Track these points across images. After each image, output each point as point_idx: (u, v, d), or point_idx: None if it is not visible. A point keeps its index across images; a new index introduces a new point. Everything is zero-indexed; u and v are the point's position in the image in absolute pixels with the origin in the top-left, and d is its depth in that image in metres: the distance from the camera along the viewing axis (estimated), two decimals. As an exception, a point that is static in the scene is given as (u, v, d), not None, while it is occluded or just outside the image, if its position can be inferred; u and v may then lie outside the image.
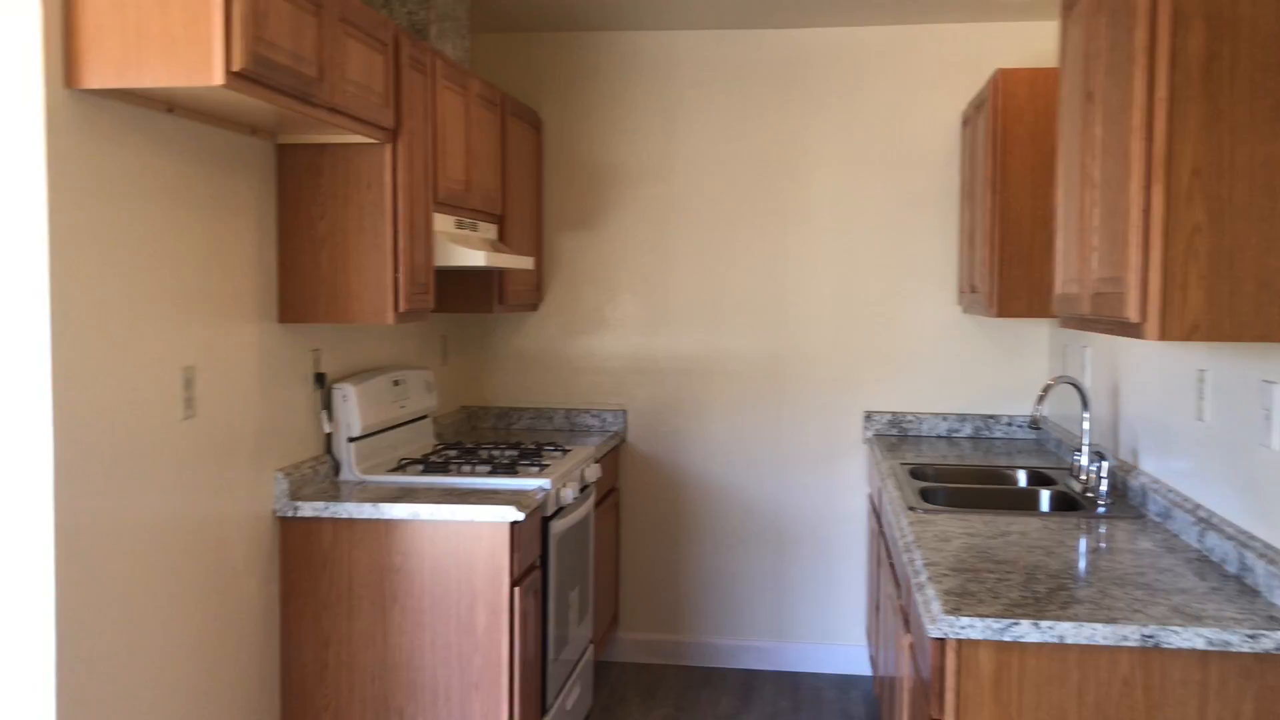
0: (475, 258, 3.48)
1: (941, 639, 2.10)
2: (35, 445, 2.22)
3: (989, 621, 2.05)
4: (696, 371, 4.74)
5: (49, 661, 2.24)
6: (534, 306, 4.75)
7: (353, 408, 3.49)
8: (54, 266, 2.22)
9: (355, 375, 3.66)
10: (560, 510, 3.63)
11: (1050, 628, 2.04)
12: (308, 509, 3.18)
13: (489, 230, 4.09)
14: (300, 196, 3.18)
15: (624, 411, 4.79)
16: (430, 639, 3.17)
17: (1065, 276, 2.63)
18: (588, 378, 4.82)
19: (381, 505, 3.15)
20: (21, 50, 2.17)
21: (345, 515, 3.17)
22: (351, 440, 3.50)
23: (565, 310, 4.82)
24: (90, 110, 2.32)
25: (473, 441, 4.30)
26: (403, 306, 3.18)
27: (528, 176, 4.56)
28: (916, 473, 3.75)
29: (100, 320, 2.38)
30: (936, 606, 2.13)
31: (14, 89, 2.17)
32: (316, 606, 3.22)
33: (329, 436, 3.52)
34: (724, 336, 4.72)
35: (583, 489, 3.93)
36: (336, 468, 3.52)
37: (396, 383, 3.86)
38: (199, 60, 2.20)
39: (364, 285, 3.17)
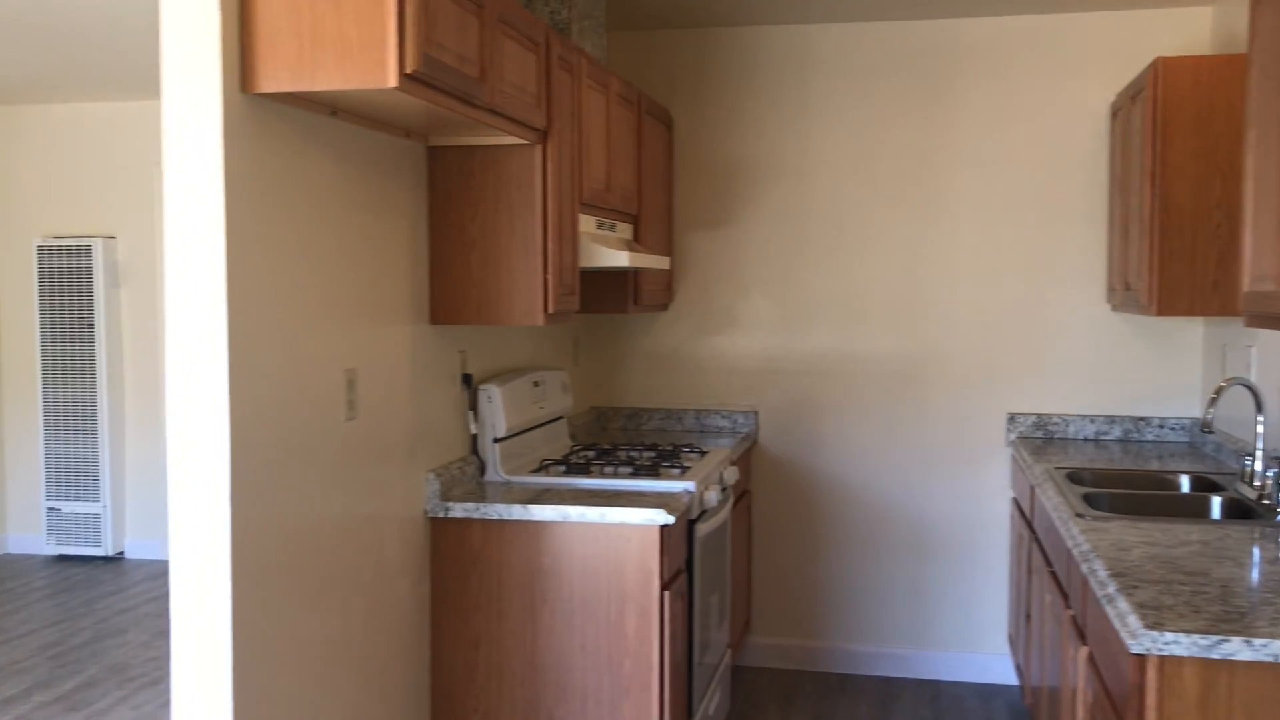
0: (619, 258, 3.45)
1: (1142, 655, 2.00)
2: (213, 445, 2.24)
3: (1195, 638, 1.95)
4: (831, 372, 4.65)
5: (225, 652, 2.26)
6: (664, 306, 4.71)
7: (498, 408, 3.49)
8: (230, 270, 2.24)
9: (498, 376, 3.67)
10: (704, 513, 3.58)
11: (1264, 645, 1.92)
12: (459, 510, 3.18)
13: (625, 230, 4.06)
14: (451, 198, 3.18)
15: (755, 413, 4.73)
16: (580, 642, 3.15)
17: (1256, 273, 2.49)
18: (718, 378, 4.77)
19: (531, 507, 3.14)
20: (201, 56, 2.19)
21: (495, 516, 3.16)
22: (496, 441, 3.50)
23: (696, 310, 4.77)
24: (263, 114, 2.34)
25: (609, 443, 4.27)
26: (552, 308, 3.17)
27: (660, 175, 4.52)
28: (1074, 477, 3.61)
29: (271, 323, 2.39)
30: (1134, 621, 2.02)
31: (193, 94, 2.20)
32: (466, 607, 3.23)
33: (474, 437, 3.52)
34: (860, 336, 4.62)
35: (722, 491, 3.88)
36: (482, 468, 3.52)
37: (536, 384, 3.85)
38: (373, 63, 2.20)
39: (514, 287, 3.16)
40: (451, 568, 3.23)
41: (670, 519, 3.07)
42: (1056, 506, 3.10)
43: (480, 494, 3.29)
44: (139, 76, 5.77)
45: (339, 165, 2.67)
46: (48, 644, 5.05)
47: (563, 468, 3.62)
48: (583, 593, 3.15)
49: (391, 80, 2.20)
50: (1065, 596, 2.99)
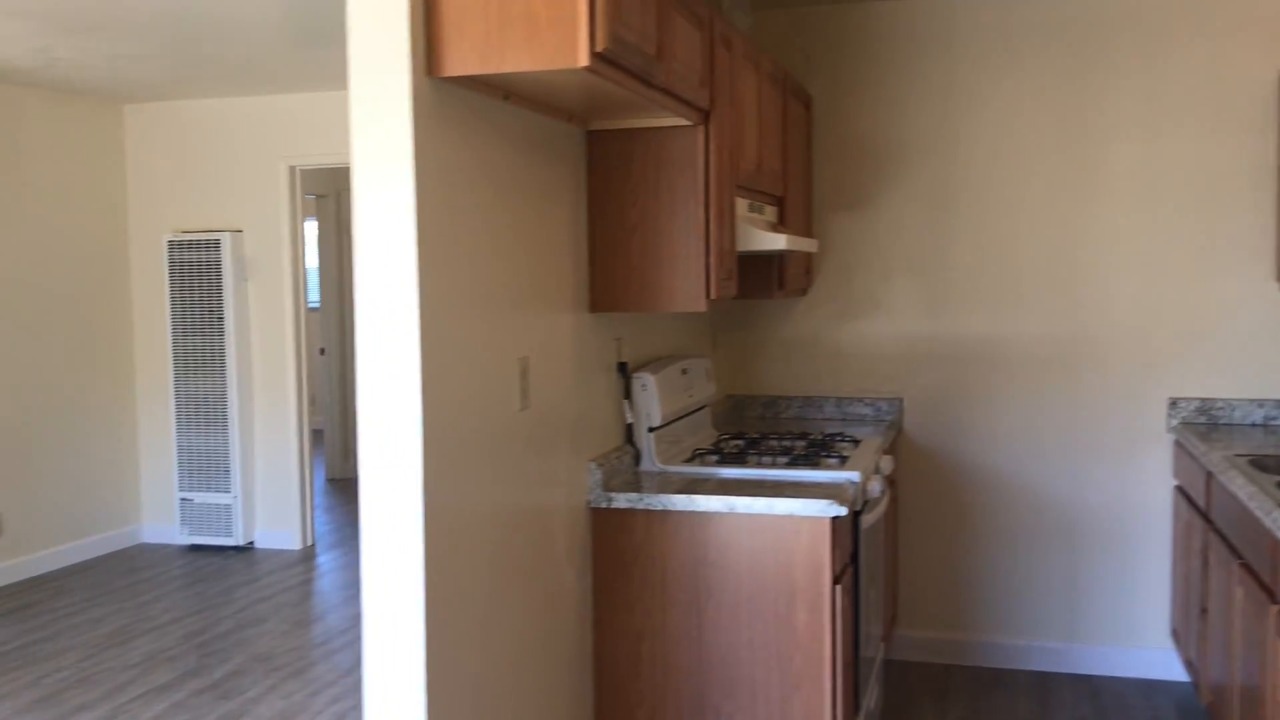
0: (775, 241, 3.36)
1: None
2: (405, 433, 2.21)
3: None
4: (979, 357, 4.50)
5: (418, 640, 2.23)
6: (804, 291, 4.60)
7: (652, 396, 3.42)
8: (421, 256, 2.20)
9: (648, 364, 3.60)
10: (866, 504, 3.47)
11: None
12: (621, 500, 3.12)
13: (771, 213, 3.96)
14: (610, 183, 3.12)
15: (899, 400, 4.60)
16: (748, 637, 3.07)
17: None
18: (860, 364, 4.65)
19: (696, 497, 3.07)
20: (390, 40, 2.15)
21: (659, 507, 3.10)
22: (651, 430, 3.43)
23: (836, 294, 4.65)
24: (447, 99, 2.29)
25: (755, 431, 4.19)
26: (714, 293, 3.09)
27: (801, 156, 4.41)
28: (1258, 464, 3.43)
29: (455, 309, 2.35)
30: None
31: (382, 80, 2.16)
32: (629, 599, 3.17)
33: (629, 426, 3.46)
34: (1010, 320, 4.46)
35: (882, 481, 3.77)
36: (636, 458, 3.46)
37: (684, 371, 3.78)
38: (563, 42, 2.14)
39: (675, 272, 3.09)
40: (614, 559, 3.17)
41: (843, 510, 2.98)
42: (1253, 495, 2.93)
43: (641, 484, 3.23)
44: (265, 72, 5.83)
45: (511, 151, 2.62)
46: (192, 632, 5.13)
47: (716, 457, 3.54)
48: (750, 586, 3.07)
49: (582, 59, 2.14)
50: (1268, 591, 2.83)
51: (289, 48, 5.27)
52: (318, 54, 5.41)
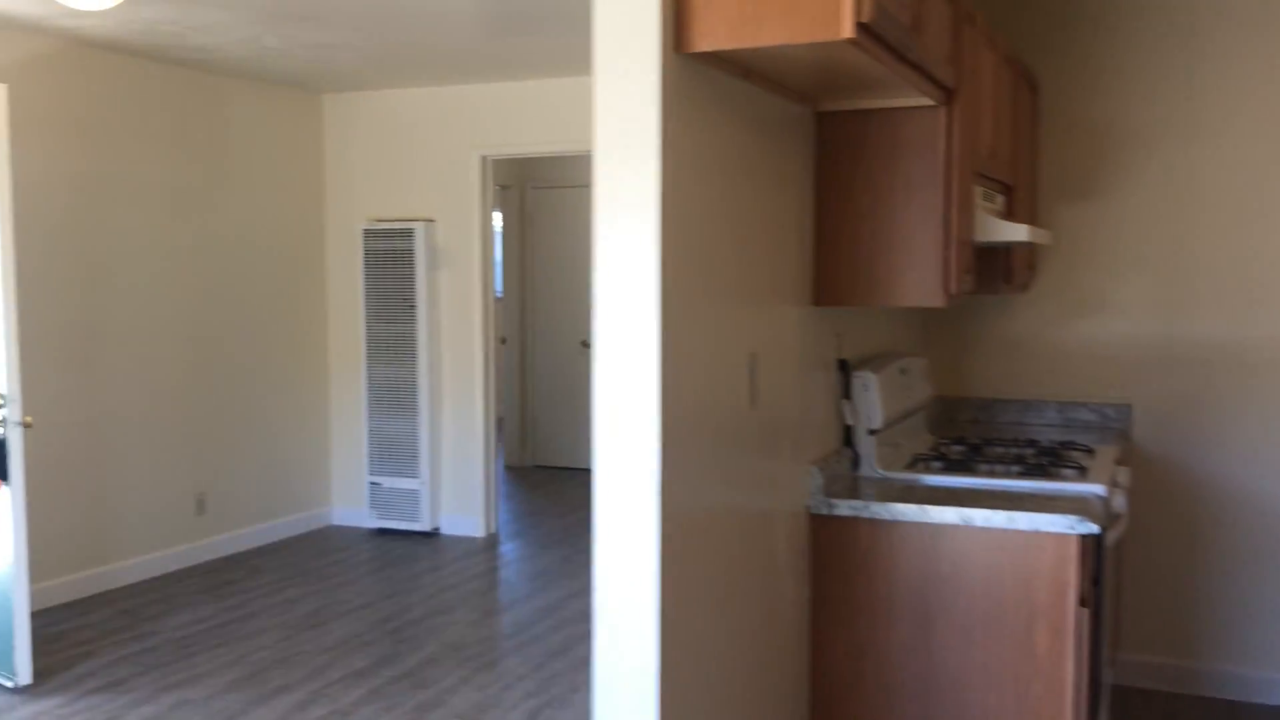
0: (1017, 232, 3.10)
1: None
2: (643, 429, 2.08)
3: None
4: (1223, 362, 4.12)
5: (652, 637, 2.10)
6: (1026, 287, 4.30)
7: (874, 397, 3.21)
8: (663, 245, 2.06)
9: (867, 362, 3.39)
10: (1112, 520, 3.19)
11: None
12: (844, 507, 2.93)
13: (1000, 203, 3.69)
14: (840, 168, 2.92)
15: (1128, 406, 4.25)
16: (981, 659, 2.84)
17: None
18: (1085, 367, 4.32)
19: (928, 508, 2.85)
20: (640, 12, 2.01)
21: (886, 516, 2.89)
22: (871, 433, 3.23)
23: (1059, 291, 4.34)
24: (690, 77, 2.14)
25: (975, 437, 3.93)
26: (954, 287, 2.86)
27: (1027, 142, 4.12)
28: None
29: (690, 302, 2.21)
30: None
31: (629, 55, 2.02)
32: (850, 613, 2.97)
33: (847, 429, 3.26)
34: (1259, 322, 4.07)
35: (1124, 495, 3.47)
36: (855, 462, 3.26)
37: (903, 371, 3.56)
38: (826, 13, 1.96)
39: (910, 264, 2.87)
40: (835, 569, 2.98)
41: (1095, 528, 2.72)
42: None
43: (860, 490, 3.03)
44: (460, 61, 5.83)
45: (745, 133, 2.45)
46: (385, 617, 5.17)
47: (940, 464, 3.31)
48: (984, 604, 2.83)
49: (846, 31, 1.96)
50: None
51: (484, 36, 5.24)
52: (512, 43, 5.36)
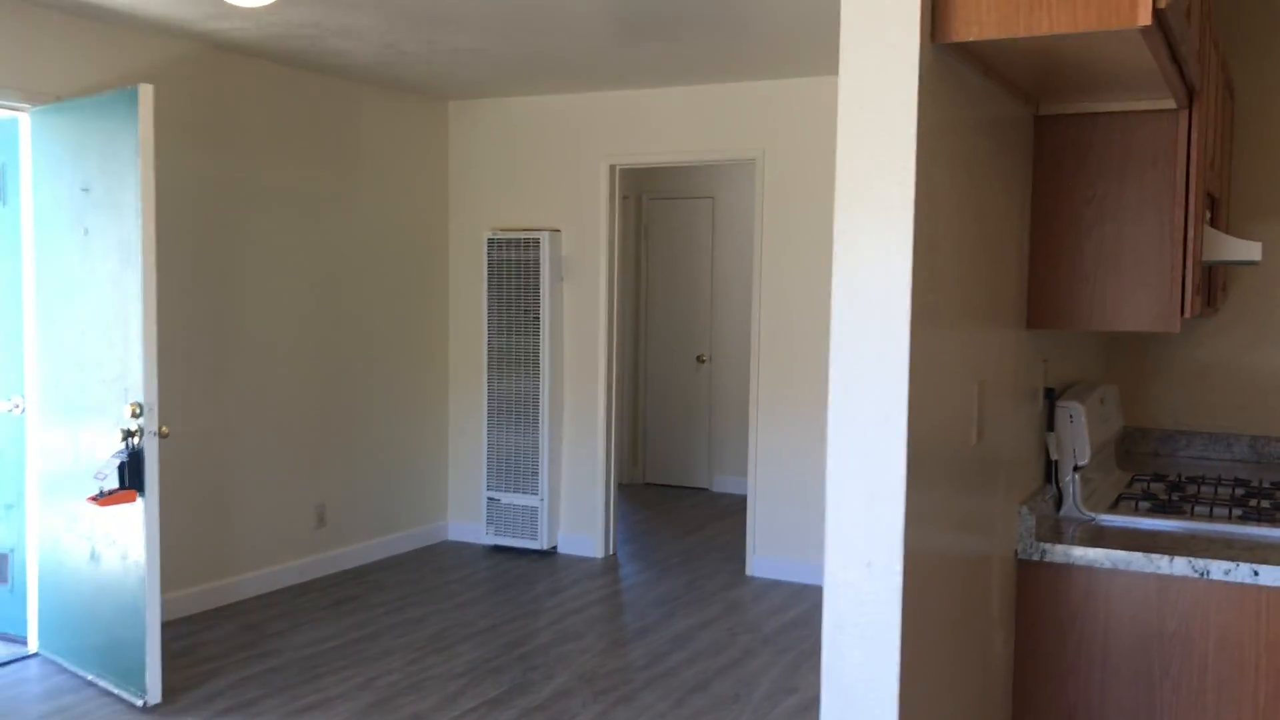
0: (1250, 250, 2.80)
1: None
2: (887, 462, 1.83)
3: None
4: None
5: (891, 690, 1.85)
6: (1215, 309, 3.96)
7: (1081, 429, 2.92)
8: (915, 258, 1.81)
9: (1067, 390, 3.10)
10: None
11: None
12: (1058, 553, 2.65)
13: (1206, 218, 3.37)
14: (1061, 177, 2.65)
15: (1333, 441, 3.88)
16: (1216, 728, 2.53)
17: None
18: (1282, 398, 3.96)
19: (1155, 557, 2.56)
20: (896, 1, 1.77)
21: (1106, 564, 2.60)
22: (1076, 469, 2.94)
23: (1252, 314, 3.99)
24: (942, 71, 1.90)
25: (1175, 474, 3.60)
26: (1189, 310, 2.57)
27: (1226, 152, 3.79)
28: None
29: (934, 322, 1.96)
30: None
31: (884, 46, 1.78)
32: (1060, 670, 2.69)
33: (1052, 463, 2.98)
34: None
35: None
36: (1058, 501, 2.97)
37: (1102, 400, 3.26)
38: (1119, -5, 1.70)
39: (1140, 284, 2.59)
40: (1045, 621, 2.70)
41: (1360, 586, 2.40)
42: None
43: (1071, 534, 2.74)
44: (588, 68, 5.65)
45: (977, 135, 2.20)
46: (512, 642, 4.98)
47: (1146, 504, 3.01)
48: (1220, 669, 2.53)
49: (1144, 18, 1.70)
50: None
51: (614, 43, 5.05)
52: (641, 50, 5.17)
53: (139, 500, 4.11)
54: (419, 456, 6.79)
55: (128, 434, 4.10)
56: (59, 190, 4.47)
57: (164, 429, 4.15)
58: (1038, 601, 2.70)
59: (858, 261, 1.84)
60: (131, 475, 4.10)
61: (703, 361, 8.66)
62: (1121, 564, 2.59)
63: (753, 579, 6.10)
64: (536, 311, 6.53)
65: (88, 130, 4.33)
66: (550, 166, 6.63)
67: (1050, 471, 2.98)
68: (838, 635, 1.89)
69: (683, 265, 8.69)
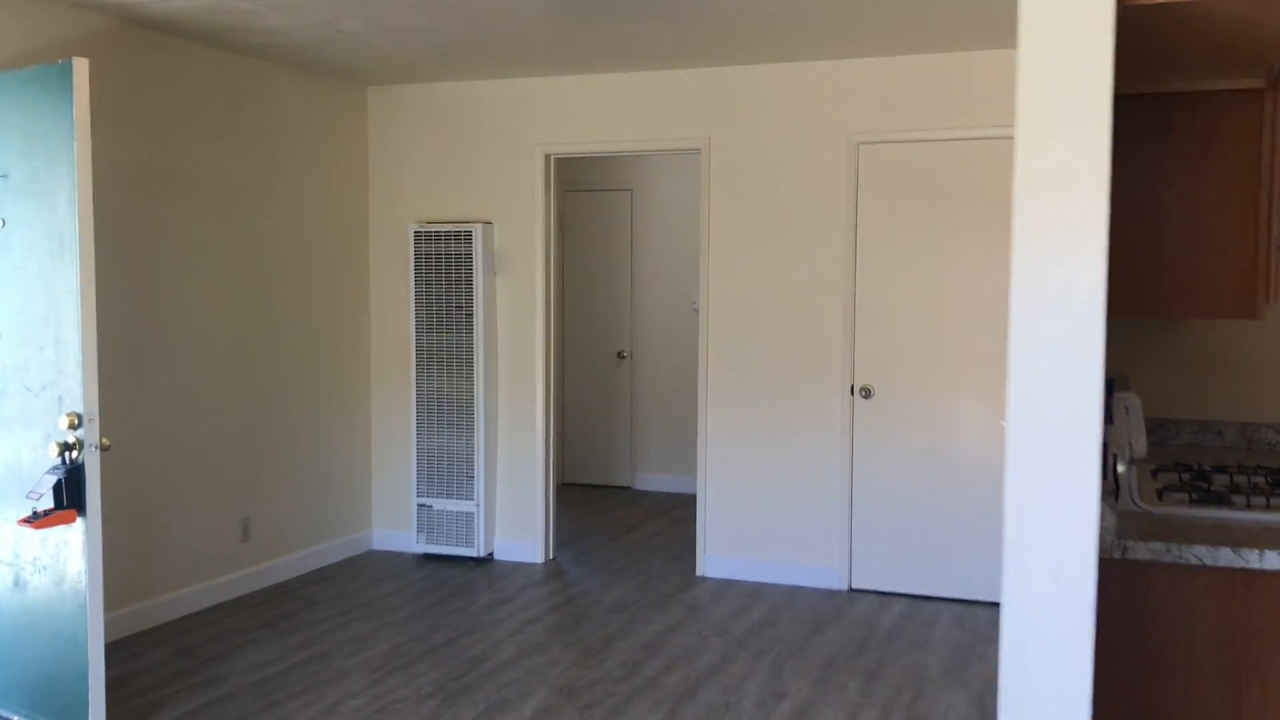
0: (1309, 236, 2.74)
1: None
2: (1079, 468, 1.67)
3: None
4: None
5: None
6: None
7: (1137, 421, 2.84)
8: (1108, 247, 1.66)
9: (1114, 381, 3.02)
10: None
11: None
12: (1141, 550, 2.55)
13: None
14: (1137, 160, 2.55)
15: (1319, 426, 3.92)
16: (1308, 725, 2.47)
17: None
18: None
19: (1244, 551, 2.48)
20: (1096, -50, 1.61)
21: (1192, 561, 2.51)
22: (1133, 462, 2.85)
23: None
24: (1117, 39, 1.75)
25: (1192, 462, 3.56)
26: (1271, 297, 2.49)
27: None
28: None
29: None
30: None
31: (1078, 7, 1.62)
32: (1141, 669, 2.59)
33: (1113, 456, 2.88)
34: None
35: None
36: (1114, 494, 2.88)
37: (1138, 391, 3.19)
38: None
39: (1223, 271, 2.51)
40: (1123, 620, 2.59)
41: None
42: None
43: (1135, 527, 2.65)
44: (521, 52, 5.39)
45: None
46: (475, 657, 4.70)
47: (1188, 495, 2.94)
48: (1310, 662, 2.46)
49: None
50: None
51: (550, 25, 4.81)
52: (578, 33, 4.94)
53: (79, 521, 3.70)
54: (341, 463, 6.41)
55: (65, 447, 3.69)
56: (-31, 177, 4.00)
57: (105, 441, 3.74)
58: (1117, 599, 2.59)
59: (1042, 250, 1.67)
60: (70, 493, 3.68)
61: (623, 357, 8.46)
62: (1209, 559, 2.50)
63: (705, 579, 5.94)
64: (469, 307, 6.23)
65: (2, 109, 3.88)
66: (480, 156, 6.34)
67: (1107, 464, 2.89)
68: (1020, 653, 1.72)
69: (600, 259, 8.48)
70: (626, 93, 6.02)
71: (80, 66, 3.63)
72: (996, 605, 5.47)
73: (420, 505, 6.39)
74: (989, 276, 5.44)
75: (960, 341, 5.50)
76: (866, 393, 5.66)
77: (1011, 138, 5.22)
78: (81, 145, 3.63)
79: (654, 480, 8.41)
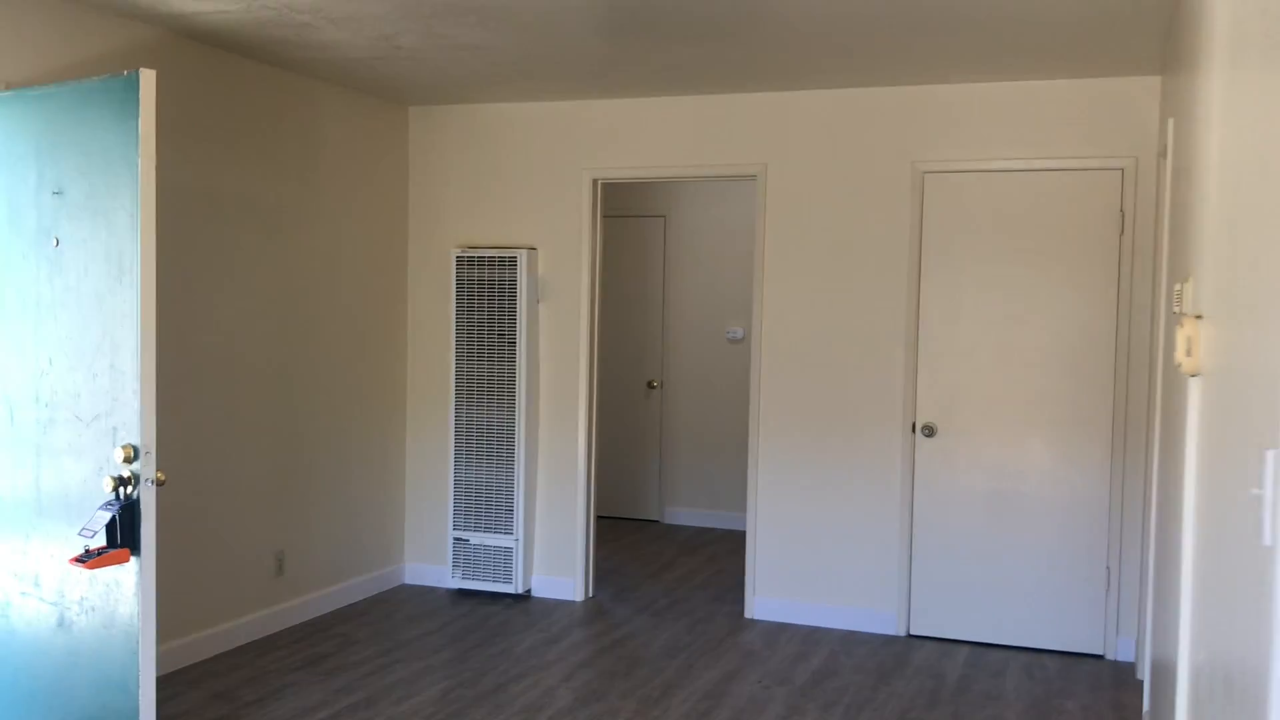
0: None
1: None
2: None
3: None
4: None
5: None
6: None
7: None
8: None
9: None
10: None
11: None
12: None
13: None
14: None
15: None
16: None
17: None
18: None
19: None
20: None
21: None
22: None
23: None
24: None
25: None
26: None
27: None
28: None
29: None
30: None
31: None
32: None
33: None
34: None
35: None
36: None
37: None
38: None
39: None
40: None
41: None
42: None
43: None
44: (570, 74, 5.22)
45: None
46: (531, 706, 4.47)
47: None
48: None
49: None
50: None
51: (600, 44, 4.64)
52: (629, 54, 4.77)
53: (132, 560, 3.47)
54: (375, 495, 6.19)
55: (119, 482, 3.46)
56: (18, 194, 3.79)
57: (160, 475, 3.52)
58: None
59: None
60: (124, 531, 3.45)
61: (653, 387, 8.27)
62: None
63: (755, 621, 5.72)
64: (512, 335, 6.03)
65: (59, 124, 3.68)
66: (525, 180, 6.15)
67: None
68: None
69: (633, 287, 8.29)
70: (678, 117, 5.85)
71: (147, 78, 3.43)
72: (1063, 654, 5.26)
73: (457, 539, 6.17)
74: (1057, 312, 5.26)
75: (1027, 379, 5.32)
76: (929, 431, 5.46)
77: (1085, 169, 5.11)
78: (146, 160, 3.42)
79: (683, 515, 8.20)
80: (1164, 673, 3.57)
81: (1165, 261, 4.13)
